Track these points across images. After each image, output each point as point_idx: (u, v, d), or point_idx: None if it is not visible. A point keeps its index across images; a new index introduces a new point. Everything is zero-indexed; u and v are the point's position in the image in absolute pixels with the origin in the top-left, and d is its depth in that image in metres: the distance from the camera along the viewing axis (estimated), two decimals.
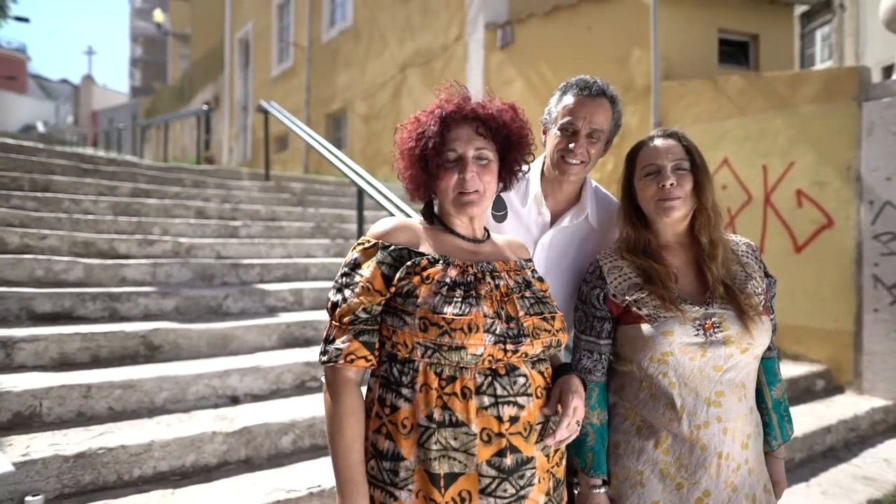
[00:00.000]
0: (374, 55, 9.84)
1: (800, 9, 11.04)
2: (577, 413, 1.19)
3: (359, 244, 1.23)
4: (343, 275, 1.21)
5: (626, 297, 1.39)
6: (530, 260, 1.38)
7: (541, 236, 1.64)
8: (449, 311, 1.11)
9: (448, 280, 1.16)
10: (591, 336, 1.42)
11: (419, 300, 1.14)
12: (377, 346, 1.19)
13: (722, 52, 5.70)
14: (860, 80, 4.06)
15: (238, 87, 15.59)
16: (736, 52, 5.86)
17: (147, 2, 38.24)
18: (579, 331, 1.45)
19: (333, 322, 1.19)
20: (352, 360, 1.15)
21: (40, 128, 31.80)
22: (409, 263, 1.18)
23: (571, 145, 1.55)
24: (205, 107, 10.42)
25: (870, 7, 10.00)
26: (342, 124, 11.06)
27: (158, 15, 24.71)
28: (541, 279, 1.33)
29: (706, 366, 1.32)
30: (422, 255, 1.20)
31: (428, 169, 1.24)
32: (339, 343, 1.16)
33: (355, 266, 1.20)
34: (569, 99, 1.57)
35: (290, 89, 12.55)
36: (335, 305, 1.19)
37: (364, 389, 1.24)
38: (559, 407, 1.20)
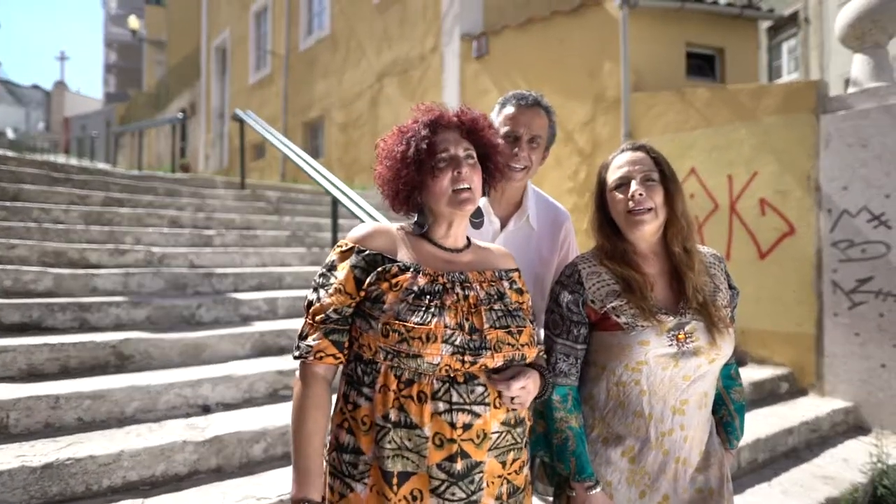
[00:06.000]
0: (351, 64, 9.87)
1: (765, 23, 11.40)
2: (523, 391, 1.20)
3: (338, 246, 1.28)
4: (321, 275, 1.25)
5: (605, 304, 1.39)
6: (515, 270, 1.37)
7: (493, 242, 1.71)
8: (411, 319, 1.14)
9: (415, 288, 1.18)
10: (569, 340, 1.42)
11: (385, 306, 1.17)
12: (346, 344, 1.23)
13: (690, 65, 5.87)
14: (818, 94, 4.23)
15: (215, 94, 15.48)
16: (703, 65, 6.04)
17: (122, 8, 37.74)
18: (555, 334, 1.43)
19: (307, 319, 1.23)
20: (321, 358, 1.20)
21: (10, 134, 31.04)
22: (379, 269, 1.21)
23: (515, 150, 1.67)
24: (180, 114, 10.32)
25: (833, 22, 10.36)
26: (319, 132, 11.06)
27: (133, 21, 24.40)
28: (520, 291, 1.33)
29: (676, 375, 1.35)
30: (394, 261, 1.23)
31: (419, 173, 1.25)
32: (310, 340, 1.21)
33: (332, 267, 1.24)
34: (509, 109, 1.72)
35: (268, 97, 12.52)
36: (311, 303, 1.24)
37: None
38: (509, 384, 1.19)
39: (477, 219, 1.41)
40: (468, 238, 1.37)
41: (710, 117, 4.80)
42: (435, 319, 1.15)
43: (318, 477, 1.19)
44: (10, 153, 6.30)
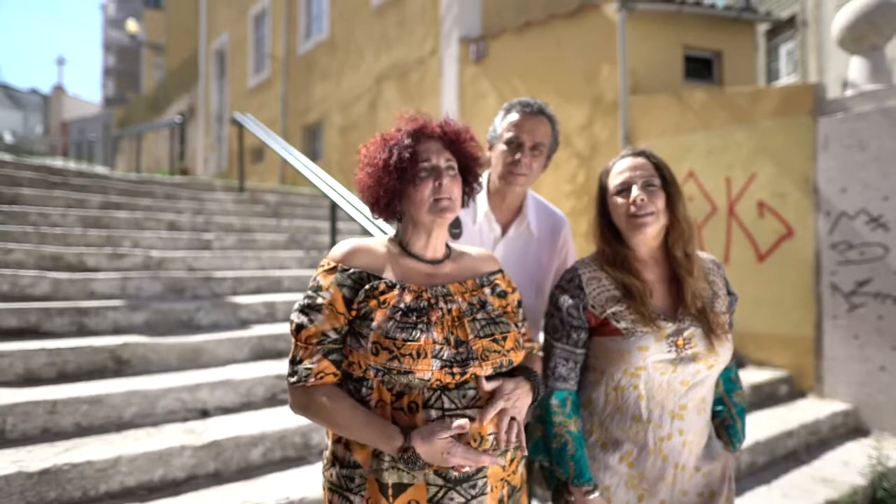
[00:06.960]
0: (350, 68, 9.88)
1: (763, 26, 11.44)
2: (512, 398, 1.19)
3: (320, 266, 1.27)
4: (307, 297, 1.24)
5: (606, 309, 1.40)
6: (497, 272, 1.38)
7: (494, 248, 1.73)
8: (400, 336, 1.15)
9: (402, 305, 1.19)
10: (569, 345, 1.42)
11: (374, 324, 1.17)
12: (342, 362, 1.23)
13: (687, 68, 5.88)
14: (815, 96, 4.24)
15: (213, 97, 15.48)
16: (700, 68, 6.05)
17: (121, 11, 37.79)
18: (554, 338, 1.44)
19: (299, 343, 1.21)
20: (321, 378, 1.19)
21: (8, 138, 31.04)
22: (367, 287, 1.21)
23: (518, 156, 1.67)
24: (178, 118, 10.31)
25: (831, 24, 10.39)
26: (318, 136, 11.06)
27: (132, 25, 24.41)
28: (502, 294, 1.33)
29: (675, 381, 1.36)
30: (379, 279, 1.23)
31: (401, 181, 1.26)
32: (307, 363, 1.19)
33: (318, 289, 1.23)
34: (513, 116, 1.72)
35: (267, 100, 12.52)
36: (300, 327, 1.21)
37: None
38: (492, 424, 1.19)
39: (455, 229, 1.41)
40: (448, 246, 1.37)
41: (708, 120, 4.81)
42: (424, 335, 1.15)
43: (389, 427, 1.14)
44: (7, 157, 6.28)
